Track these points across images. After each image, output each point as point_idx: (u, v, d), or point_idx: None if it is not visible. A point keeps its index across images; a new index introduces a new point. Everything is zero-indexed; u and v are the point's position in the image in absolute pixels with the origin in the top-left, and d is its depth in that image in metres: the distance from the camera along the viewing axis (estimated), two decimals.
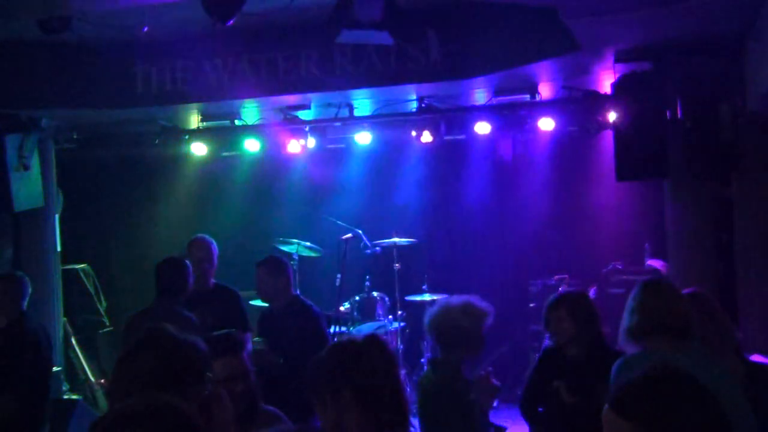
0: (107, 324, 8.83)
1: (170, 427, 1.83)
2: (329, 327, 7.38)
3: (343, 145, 8.86)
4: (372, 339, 2.49)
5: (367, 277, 8.57)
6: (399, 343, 8.50)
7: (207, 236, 6.01)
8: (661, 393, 1.83)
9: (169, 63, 6.72)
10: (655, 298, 3.40)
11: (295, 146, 7.86)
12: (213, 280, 5.85)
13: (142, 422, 1.81)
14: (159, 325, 2.64)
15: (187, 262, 5.37)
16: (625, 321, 3.45)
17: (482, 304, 4.00)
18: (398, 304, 8.56)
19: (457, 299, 4.02)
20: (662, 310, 3.36)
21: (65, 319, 7.78)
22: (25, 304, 5.56)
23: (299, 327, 5.31)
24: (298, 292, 5.76)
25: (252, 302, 8.56)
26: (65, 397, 7.15)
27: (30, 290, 5.62)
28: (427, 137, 7.69)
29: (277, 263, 5.61)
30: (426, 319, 4.02)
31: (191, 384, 2.57)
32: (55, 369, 6.50)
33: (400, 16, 4.75)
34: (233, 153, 8.84)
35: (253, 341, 5.61)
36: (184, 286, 5.11)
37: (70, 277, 8.30)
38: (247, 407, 3.12)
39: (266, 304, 5.92)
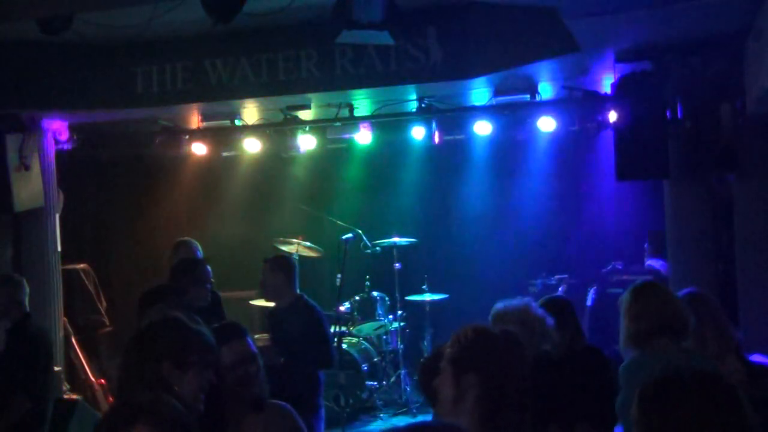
0: (107, 324, 8.83)
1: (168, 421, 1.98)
2: (329, 327, 7.38)
3: (343, 145, 8.87)
4: (512, 337, 2.48)
5: (367, 277, 8.57)
6: (399, 343, 8.51)
7: (193, 240, 6.06)
8: (687, 393, 1.86)
9: (169, 63, 6.72)
10: (655, 300, 3.41)
11: (295, 146, 7.86)
12: None
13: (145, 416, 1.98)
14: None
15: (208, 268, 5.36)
16: (627, 326, 3.43)
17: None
18: (398, 304, 8.57)
19: (537, 307, 3.86)
20: (663, 311, 3.37)
21: (65, 319, 7.78)
22: (27, 304, 5.56)
23: (301, 327, 5.32)
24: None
25: (252, 302, 8.59)
26: (65, 397, 7.14)
27: (28, 290, 5.62)
28: (426, 137, 7.69)
29: (280, 260, 5.66)
30: (502, 309, 3.79)
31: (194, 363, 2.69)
32: (55, 369, 6.50)
33: (400, 15, 4.74)
34: (233, 153, 8.84)
35: (255, 338, 5.60)
36: (188, 287, 5.08)
37: (70, 277, 8.29)
38: (255, 397, 3.13)
39: (267, 304, 5.93)
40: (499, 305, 3.82)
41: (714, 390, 1.86)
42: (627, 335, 3.43)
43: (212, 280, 5.39)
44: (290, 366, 5.05)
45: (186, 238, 6.12)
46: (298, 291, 5.54)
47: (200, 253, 5.97)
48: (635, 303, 3.45)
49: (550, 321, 3.77)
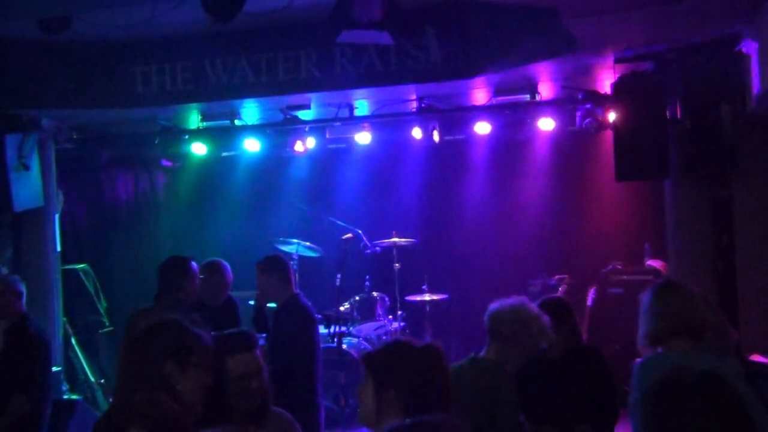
0: (107, 324, 8.82)
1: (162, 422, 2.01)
2: (329, 327, 7.37)
3: (343, 145, 8.86)
4: (432, 349, 2.51)
5: (367, 277, 8.56)
6: None
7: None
8: (690, 394, 1.87)
9: (169, 63, 6.71)
10: (676, 300, 3.39)
11: (295, 146, 7.86)
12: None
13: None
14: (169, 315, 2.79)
15: (193, 264, 5.35)
16: (646, 325, 3.40)
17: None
18: (398, 304, 8.56)
19: (533, 305, 3.85)
20: (684, 312, 3.35)
21: (65, 319, 7.78)
22: (24, 304, 5.56)
23: (286, 328, 5.25)
24: (298, 291, 5.71)
25: (251, 302, 8.57)
26: (65, 397, 7.14)
27: (25, 290, 5.61)
28: (427, 137, 7.70)
29: (271, 260, 5.57)
30: (498, 308, 3.80)
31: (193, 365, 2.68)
32: (55, 369, 6.50)
33: (399, 15, 4.75)
34: (233, 153, 8.85)
35: None
36: (182, 285, 5.09)
37: (70, 277, 8.29)
38: (259, 406, 3.12)
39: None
40: (494, 305, 3.81)
41: (716, 392, 1.87)
42: (645, 334, 3.40)
43: (195, 275, 5.37)
44: (274, 366, 5.01)
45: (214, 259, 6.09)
46: (296, 290, 5.49)
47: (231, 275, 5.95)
48: (656, 302, 3.42)
49: (546, 319, 3.76)
